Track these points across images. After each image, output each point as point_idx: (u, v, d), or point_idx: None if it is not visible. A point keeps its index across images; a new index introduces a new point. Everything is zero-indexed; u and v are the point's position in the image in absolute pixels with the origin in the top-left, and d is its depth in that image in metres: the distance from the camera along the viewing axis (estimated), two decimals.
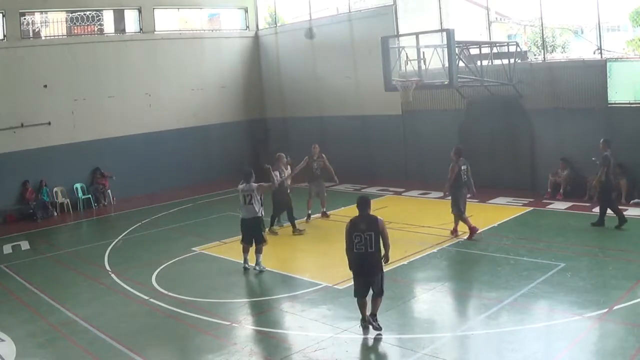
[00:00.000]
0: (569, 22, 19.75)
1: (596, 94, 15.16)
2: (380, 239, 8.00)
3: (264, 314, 9.64)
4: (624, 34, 18.93)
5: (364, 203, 8.17)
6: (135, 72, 20.64)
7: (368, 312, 8.19)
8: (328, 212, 15.39)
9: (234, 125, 22.98)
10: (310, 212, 14.90)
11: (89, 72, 19.60)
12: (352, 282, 8.36)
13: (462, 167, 12.42)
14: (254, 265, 11.34)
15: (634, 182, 14.63)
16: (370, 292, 8.21)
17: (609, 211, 12.71)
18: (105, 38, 20.44)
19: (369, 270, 8.07)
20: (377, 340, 8.08)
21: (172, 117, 21.39)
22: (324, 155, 15.02)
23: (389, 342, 8.07)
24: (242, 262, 11.49)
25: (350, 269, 8.23)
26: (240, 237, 11.61)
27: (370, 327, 8.17)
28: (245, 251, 11.45)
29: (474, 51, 16.42)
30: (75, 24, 19.86)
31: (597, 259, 10.83)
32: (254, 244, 11.34)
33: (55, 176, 18.72)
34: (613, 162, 12.57)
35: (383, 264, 8.15)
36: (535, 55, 18.18)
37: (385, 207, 15.97)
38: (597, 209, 14.09)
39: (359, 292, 8.19)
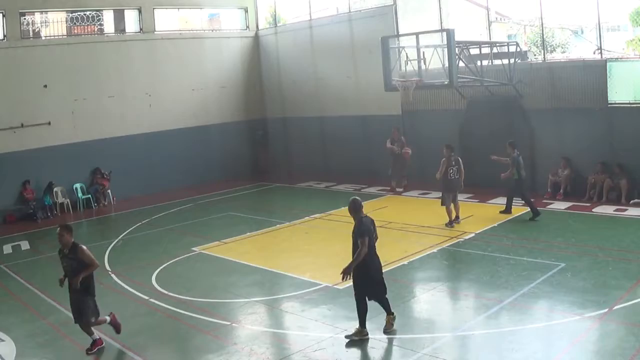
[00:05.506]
0: (569, 22, 19.76)
1: (596, 94, 15.15)
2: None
3: (264, 314, 9.64)
4: (624, 34, 18.93)
5: (452, 148, 13.58)
6: (135, 72, 20.64)
7: (453, 216, 13.65)
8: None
9: (234, 125, 22.99)
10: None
11: (89, 72, 19.59)
12: (443, 197, 13.57)
13: None
14: None
15: (634, 182, 14.62)
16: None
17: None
18: (105, 38, 20.43)
19: (456, 189, 13.64)
20: (377, 340, 8.10)
21: (172, 117, 21.39)
22: None
23: (389, 342, 8.07)
24: (242, 262, 11.43)
25: (446, 189, 13.52)
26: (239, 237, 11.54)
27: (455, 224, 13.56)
28: None
29: (474, 51, 16.42)
30: (75, 24, 19.85)
31: (597, 259, 10.82)
32: None
33: (55, 176, 18.69)
34: (521, 162, 13.96)
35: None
36: (535, 55, 18.19)
37: (385, 207, 15.98)
38: (597, 209, 14.21)
39: (447, 203, 13.51)
